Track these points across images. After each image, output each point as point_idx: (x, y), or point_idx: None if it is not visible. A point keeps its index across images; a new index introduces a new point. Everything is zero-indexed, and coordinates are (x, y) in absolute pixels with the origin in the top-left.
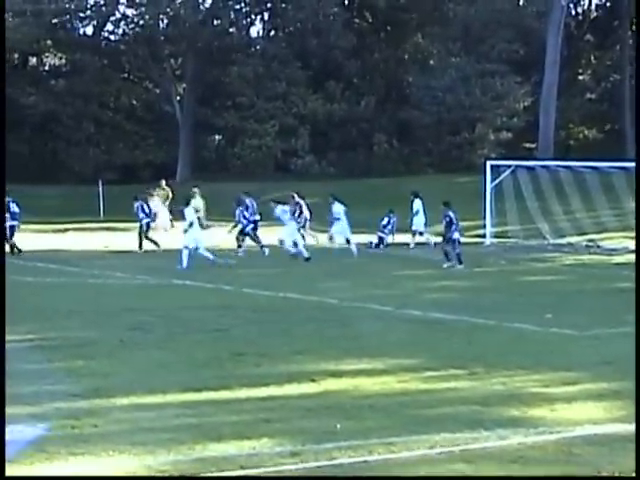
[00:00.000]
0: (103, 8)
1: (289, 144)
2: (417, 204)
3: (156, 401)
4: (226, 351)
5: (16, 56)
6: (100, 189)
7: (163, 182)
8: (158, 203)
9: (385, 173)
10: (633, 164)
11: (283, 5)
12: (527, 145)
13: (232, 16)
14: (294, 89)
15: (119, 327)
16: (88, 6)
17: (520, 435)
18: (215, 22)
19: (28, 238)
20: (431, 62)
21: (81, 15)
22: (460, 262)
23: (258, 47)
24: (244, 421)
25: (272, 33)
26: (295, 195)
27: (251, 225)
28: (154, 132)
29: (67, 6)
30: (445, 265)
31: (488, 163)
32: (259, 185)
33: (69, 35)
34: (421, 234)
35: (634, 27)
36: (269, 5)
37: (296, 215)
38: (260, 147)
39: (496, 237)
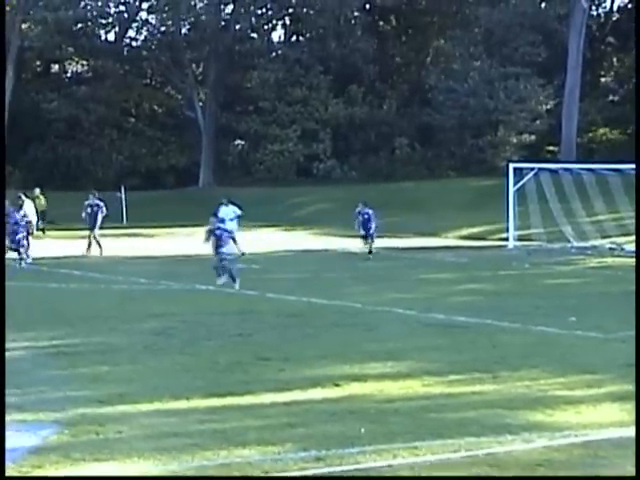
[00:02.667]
0: (125, 14)
1: (311, 148)
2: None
3: (180, 406)
4: (250, 356)
5: (38, 63)
6: (123, 195)
7: (37, 190)
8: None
9: (407, 177)
10: None
11: (304, 10)
12: (550, 148)
13: (253, 21)
14: (315, 93)
15: (143, 333)
16: (110, 12)
17: (545, 438)
18: (236, 27)
19: (51, 244)
20: (453, 65)
21: (103, 22)
22: (370, 252)
23: (280, 52)
24: (268, 426)
25: (293, 38)
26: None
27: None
28: (176, 138)
29: (89, 13)
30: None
31: (511, 166)
32: (281, 190)
33: (91, 42)
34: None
35: None
36: (290, 10)
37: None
38: (282, 152)
39: (519, 240)
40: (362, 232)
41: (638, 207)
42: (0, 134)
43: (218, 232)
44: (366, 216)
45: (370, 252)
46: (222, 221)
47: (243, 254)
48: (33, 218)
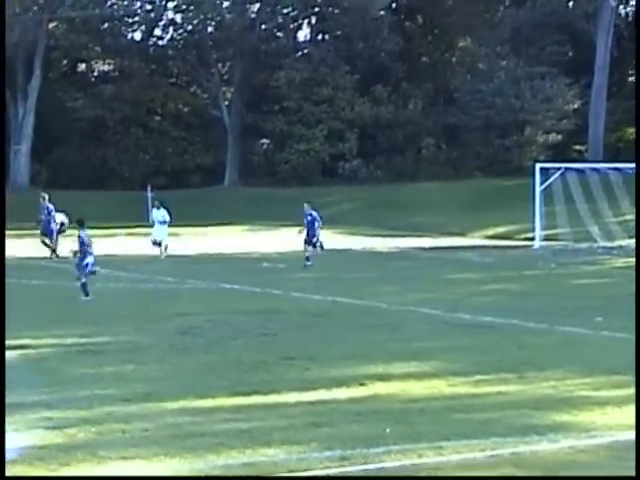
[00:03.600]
0: (151, 14)
1: (337, 148)
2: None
3: (206, 405)
4: (275, 355)
5: (65, 62)
6: (149, 194)
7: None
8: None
9: (433, 177)
10: None
11: (330, 9)
12: (577, 147)
13: (279, 20)
14: (341, 93)
15: (169, 332)
16: (136, 12)
17: (571, 439)
18: (262, 26)
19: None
20: (479, 65)
21: (129, 21)
22: (308, 260)
23: (305, 51)
24: (293, 425)
25: (319, 37)
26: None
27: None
28: (202, 137)
29: (115, 12)
30: (308, 263)
31: (537, 166)
32: (307, 189)
33: (117, 41)
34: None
35: None
36: (316, 9)
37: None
38: (308, 151)
39: (546, 240)
40: (305, 236)
41: (638, 207)
42: (0, 133)
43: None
44: (309, 217)
45: (308, 259)
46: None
47: (164, 258)
48: (65, 218)
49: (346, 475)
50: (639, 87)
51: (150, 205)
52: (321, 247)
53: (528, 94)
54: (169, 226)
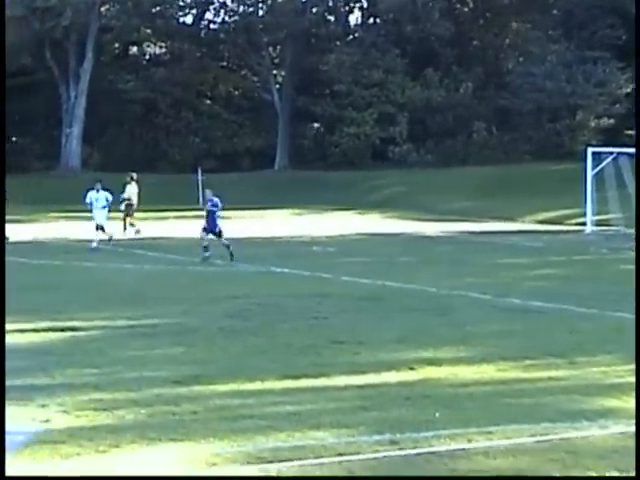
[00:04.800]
0: None
1: (387, 132)
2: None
3: (255, 388)
4: (324, 339)
5: (117, 45)
6: (200, 177)
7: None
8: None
9: (483, 161)
10: None
11: None
12: (629, 132)
13: (330, 4)
14: (392, 77)
15: (218, 314)
16: None
17: (622, 425)
18: (313, 10)
19: (128, 226)
20: (531, 49)
21: (181, 4)
22: (206, 249)
23: (356, 35)
24: (342, 409)
25: (370, 21)
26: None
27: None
28: (252, 120)
29: None
30: (206, 254)
31: (589, 150)
32: (357, 173)
33: (169, 24)
34: None
35: None
36: None
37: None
38: (358, 135)
39: (597, 225)
40: (206, 226)
41: (638, 204)
42: (0, 132)
43: None
44: (210, 203)
45: (231, 254)
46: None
47: (110, 239)
48: (135, 200)
49: (395, 459)
50: (639, 87)
51: (201, 188)
52: (219, 235)
53: (580, 78)
54: (109, 210)
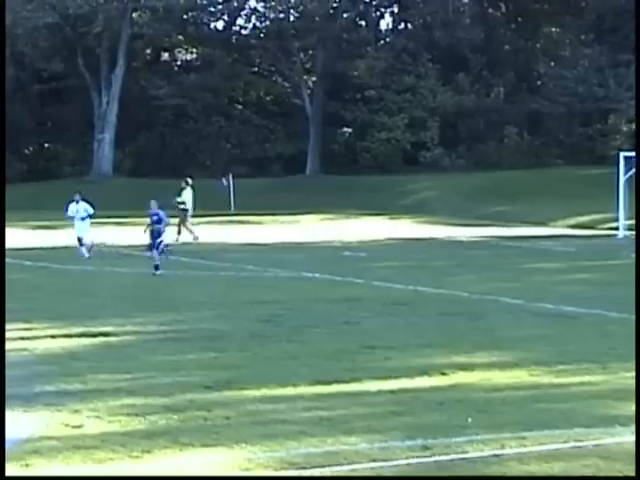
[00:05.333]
0: (234, 3)
1: (418, 137)
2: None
3: (287, 393)
4: (356, 344)
5: (148, 51)
6: (231, 183)
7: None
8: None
9: (515, 165)
10: None
11: None
12: None
13: (362, 9)
14: (423, 82)
15: (250, 320)
16: (219, 1)
17: None
18: (344, 15)
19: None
20: (563, 53)
21: (212, 10)
22: (157, 268)
23: (387, 40)
24: (375, 414)
25: (401, 26)
26: None
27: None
28: (283, 126)
29: (198, 1)
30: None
31: (621, 155)
32: (388, 178)
33: (200, 30)
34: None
35: None
36: None
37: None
38: (389, 140)
39: (629, 230)
40: (149, 240)
41: (638, 205)
42: (0, 133)
43: None
44: (155, 217)
45: (157, 267)
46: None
47: (89, 257)
48: (189, 205)
49: (428, 464)
50: (639, 87)
51: (232, 194)
52: (167, 252)
53: (612, 82)
54: (92, 219)
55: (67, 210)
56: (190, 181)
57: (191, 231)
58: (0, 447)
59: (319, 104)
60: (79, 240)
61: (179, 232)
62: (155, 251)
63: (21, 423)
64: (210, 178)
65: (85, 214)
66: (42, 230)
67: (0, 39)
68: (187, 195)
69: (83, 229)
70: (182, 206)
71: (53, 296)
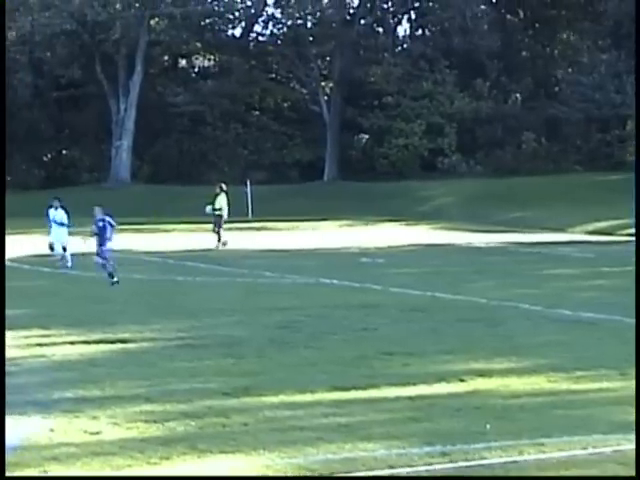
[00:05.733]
0: (251, 10)
1: (436, 143)
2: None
3: (305, 400)
4: (374, 350)
5: (166, 58)
6: (249, 189)
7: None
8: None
9: (533, 171)
10: None
11: (430, 4)
12: None
13: (379, 15)
14: (441, 88)
15: (268, 326)
16: (236, 8)
17: None
18: (362, 21)
19: (178, 238)
20: (581, 58)
21: (229, 17)
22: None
23: (405, 46)
24: (393, 420)
25: (419, 32)
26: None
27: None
28: (301, 132)
29: (215, 8)
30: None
31: None
32: (405, 184)
33: (217, 37)
34: None
35: None
36: (416, 4)
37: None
38: (406, 146)
39: None
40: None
41: (638, 207)
42: (1, 134)
43: None
44: (100, 224)
45: (112, 276)
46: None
47: (68, 267)
48: (224, 211)
49: (447, 472)
50: (638, 87)
51: (250, 200)
52: (104, 262)
53: (629, 88)
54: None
55: (47, 215)
56: (224, 187)
57: (220, 237)
58: (0, 447)
59: (336, 110)
60: (58, 247)
61: (219, 238)
62: (98, 258)
63: (10, 430)
64: (228, 185)
65: (61, 221)
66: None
67: (0, 39)
68: (222, 201)
69: (63, 236)
70: (218, 212)
71: (71, 302)
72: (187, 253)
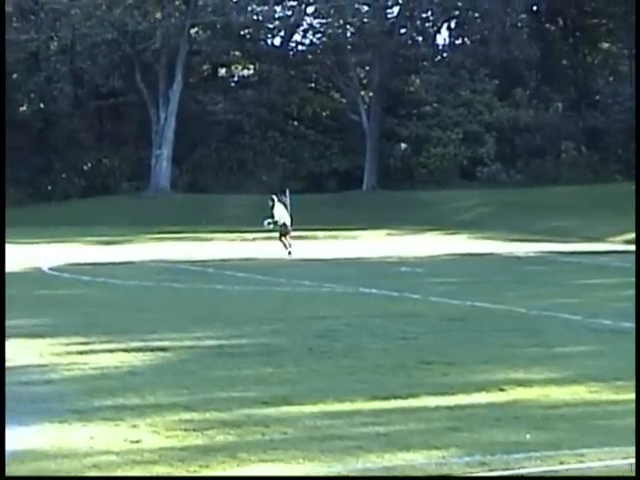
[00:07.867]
0: (291, 19)
1: (475, 152)
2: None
3: (344, 409)
4: (413, 359)
5: (206, 67)
6: (288, 198)
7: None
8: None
9: (573, 180)
10: None
11: (470, 13)
12: None
13: (418, 25)
14: (479, 97)
15: (307, 335)
16: (276, 17)
17: None
18: (401, 31)
19: (218, 246)
20: (621, 68)
21: (269, 26)
22: None
23: (444, 55)
24: (432, 430)
25: (458, 41)
26: None
27: None
28: (339, 141)
29: (255, 18)
30: None
31: None
32: (444, 193)
33: (257, 46)
34: None
35: None
36: (455, 13)
37: None
38: (445, 155)
39: None
40: None
41: (638, 208)
42: (1, 136)
43: None
44: None
45: None
46: None
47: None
48: (286, 220)
49: None
50: (638, 87)
51: (289, 209)
52: None
53: None
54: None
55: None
56: (275, 198)
57: (286, 245)
58: (0, 447)
59: (376, 119)
60: None
61: (289, 245)
62: None
63: (9, 437)
64: (265, 193)
65: None
66: (100, 246)
67: (0, 39)
68: (280, 211)
69: None
70: (282, 223)
71: (111, 311)
72: (226, 262)
